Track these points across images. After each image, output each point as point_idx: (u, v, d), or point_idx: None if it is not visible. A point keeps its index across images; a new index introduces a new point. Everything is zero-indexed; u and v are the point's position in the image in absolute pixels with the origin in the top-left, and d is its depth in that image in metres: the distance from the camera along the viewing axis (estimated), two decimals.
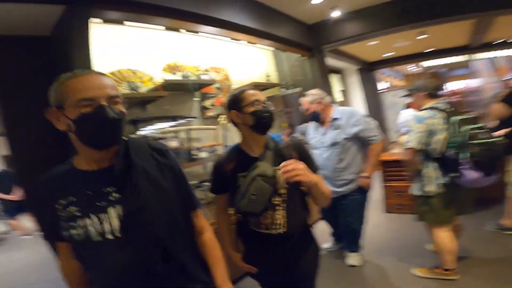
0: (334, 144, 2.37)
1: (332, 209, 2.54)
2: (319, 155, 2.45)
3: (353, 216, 2.44)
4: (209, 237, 1.02)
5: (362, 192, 2.43)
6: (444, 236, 2.06)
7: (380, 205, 3.78)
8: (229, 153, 1.36)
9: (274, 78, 4.10)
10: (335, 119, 2.39)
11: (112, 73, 2.26)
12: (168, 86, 2.51)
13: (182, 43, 3.00)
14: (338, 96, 6.26)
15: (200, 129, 2.89)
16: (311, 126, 2.64)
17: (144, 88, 2.43)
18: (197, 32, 2.72)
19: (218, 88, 3.25)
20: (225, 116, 3.14)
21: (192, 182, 2.55)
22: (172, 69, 2.66)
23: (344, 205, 2.43)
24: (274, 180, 1.15)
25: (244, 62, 3.71)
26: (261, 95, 1.28)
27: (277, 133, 1.43)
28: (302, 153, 1.22)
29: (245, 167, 1.21)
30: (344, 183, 2.39)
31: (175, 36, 2.88)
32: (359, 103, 7.07)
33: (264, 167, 1.16)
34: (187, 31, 2.66)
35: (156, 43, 2.76)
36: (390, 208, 3.69)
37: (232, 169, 1.27)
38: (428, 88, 2.16)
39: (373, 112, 6.94)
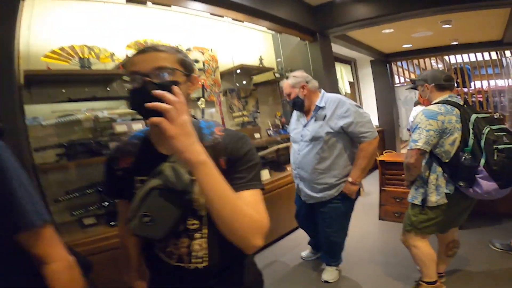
0: (315, 139, 1.99)
1: (310, 215, 2.23)
2: (297, 151, 2.11)
3: (332, 227, 2.09)
4: (53, 270, 0.69)
5: (346, 199, 2.05)
6: (426, 246, 1.78)
7: (375, 211, 3.41)
8: (128, 142, 0.88)
9: (270, 63, 3.74)
10: (319, 108, 2.01)
11: (62, 48, 2.01)
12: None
13: (163, 19, 2.69)
14: (345, 87, 5.80)
15: None
16: (293, 115, 2.27)
17: (100, 65, 2.16)
18: (169, 5, 2.38)
19: (200, 69, 2.94)
20: (204, 99, 2.85)
21: None
22: (139, 46, 2.36)
23: (323, 213, 2.09)
24: (186, 197, 0.75)
25: (236, 43, 3.37)
26: (152, 62, 0.72)
27: (211, 121, 0.85)
28: (239, 159, 0.78)
29: (148, 167, 0.77)
30: (325, 188, 2.03)
31: (154, 12, 2.59)
32: (370, 97, 6.58)
33: (170, 174, 0.73)
34: (154, 3, 2.31)
35: (130, 18, 2.46)
36: (385, 215, 3.32)
37: (127, 167, 0.84)
38: (437, 79, 1.76)
39: (385, 107, 6.45)
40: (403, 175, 1.86)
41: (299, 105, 2.06)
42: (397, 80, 6.92)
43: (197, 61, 2.90)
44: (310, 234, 2.48)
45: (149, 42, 2.41)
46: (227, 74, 3.26)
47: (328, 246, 2.20)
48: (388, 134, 6.33)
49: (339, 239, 2.15)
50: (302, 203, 2.22)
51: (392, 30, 4.68)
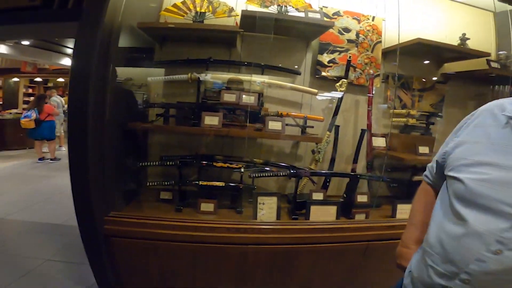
0: None
1: None
2: (475, 224, 0.70)
3: None
4: None
5: None
6: None
7: None
8: None
9: (482, 46, 2.36)
10: None
11: (183, 2, 1.98)
12: (246, 21, 1.92)
13: None
14: None
15: (282, 87, 2.12)
16: (485, 120, 0.79)
17: (213, 21, 1.99)
18: None
19: (351, 41, 2.25)
20: (346, 81, 2.18)
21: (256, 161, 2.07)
22: (264, 0, 2.04)
23: None
24: None
25: (419, 13, 2.37)
26: None
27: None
28: None
29: None
30: None
31: None
32: None
33: None
34: None
35: None
36: None
37: None
38: None
39: None
40: None
41: None
42: None
43: (347, 30, 2.24)
44: None
45: None
46: (395, 54, 2.33)
47: None
48: None
49: None
50: None
51: None
